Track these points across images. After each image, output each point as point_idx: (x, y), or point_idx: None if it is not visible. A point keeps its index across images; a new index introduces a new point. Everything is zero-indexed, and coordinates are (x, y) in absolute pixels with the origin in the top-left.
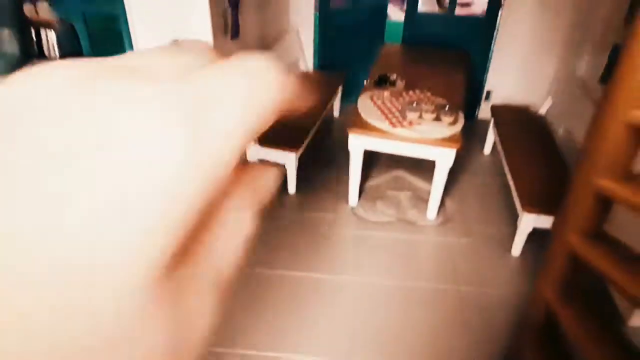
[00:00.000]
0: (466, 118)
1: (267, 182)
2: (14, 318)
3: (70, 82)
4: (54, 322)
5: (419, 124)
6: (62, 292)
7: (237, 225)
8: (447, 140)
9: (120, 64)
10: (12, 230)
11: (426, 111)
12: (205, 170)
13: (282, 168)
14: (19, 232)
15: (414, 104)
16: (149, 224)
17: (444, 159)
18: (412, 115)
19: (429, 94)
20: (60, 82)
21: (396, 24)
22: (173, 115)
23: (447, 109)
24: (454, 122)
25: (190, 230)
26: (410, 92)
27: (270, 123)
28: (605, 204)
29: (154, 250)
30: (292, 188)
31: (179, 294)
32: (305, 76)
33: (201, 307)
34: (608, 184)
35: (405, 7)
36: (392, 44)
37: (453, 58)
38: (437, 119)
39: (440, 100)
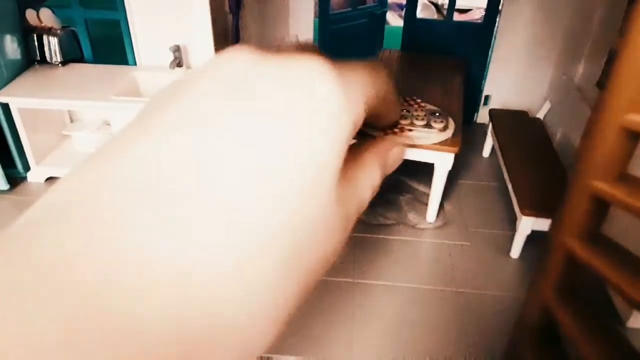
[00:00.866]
0: (465, 122)
1: (394, 153)
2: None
3: (256, 60)
4: (298, 203)
5: (410, 130)
6: (300, 177)
7: (370, 176)
8: (445, 144)
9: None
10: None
11: (417, 118)
12: (350, 114)
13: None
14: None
15: (405, 111)
16: (332, 140)
17: (443, 162)
18: (403, 122)
19: (419, 100)
20: (251, 59)
21: (395, 30)
22: (332, 77)
23: (437, 115)
24: (444, 129)
25: (345, 154)
26: (402, 101)
27: (374, 102)
28: (601, 206)
29: (339, 158)
30: None
31: (343, 199)
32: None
33: (353, 215)
34: (603, 186)
35: (404, 13)
36: (391, 50)
37: (452, 63)
38: (428, 125)
39: (431, 107)
